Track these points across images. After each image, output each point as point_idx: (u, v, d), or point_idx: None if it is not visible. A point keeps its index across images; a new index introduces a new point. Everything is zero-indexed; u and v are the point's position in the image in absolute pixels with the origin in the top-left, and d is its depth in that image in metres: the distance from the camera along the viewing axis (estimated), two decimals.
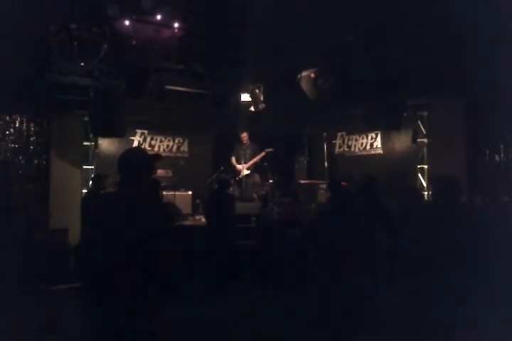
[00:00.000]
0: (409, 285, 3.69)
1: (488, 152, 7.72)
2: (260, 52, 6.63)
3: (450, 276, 3.36)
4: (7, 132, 8.21)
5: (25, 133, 8.40)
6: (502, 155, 7.49)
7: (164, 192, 9.38)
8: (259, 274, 7.47)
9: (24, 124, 8.36)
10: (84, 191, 8.97)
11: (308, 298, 4.87)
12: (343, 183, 9.43)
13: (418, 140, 9.06)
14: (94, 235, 2.88)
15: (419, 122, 9.07)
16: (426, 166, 8.95)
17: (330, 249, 4.21)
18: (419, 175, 8.99)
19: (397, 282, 3.89)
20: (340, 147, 11.41)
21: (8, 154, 8.21)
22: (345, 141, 11.29)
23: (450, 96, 7.79)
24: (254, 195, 10.27)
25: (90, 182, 9.03)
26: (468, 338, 3.30)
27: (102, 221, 2.87)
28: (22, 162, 8.36)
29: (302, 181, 10.33)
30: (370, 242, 4.02)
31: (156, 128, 11.11)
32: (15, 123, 8.29)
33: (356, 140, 10.98)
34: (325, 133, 10.76)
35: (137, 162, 2.97)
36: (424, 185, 8.76)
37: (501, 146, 7.52)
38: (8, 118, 8.23)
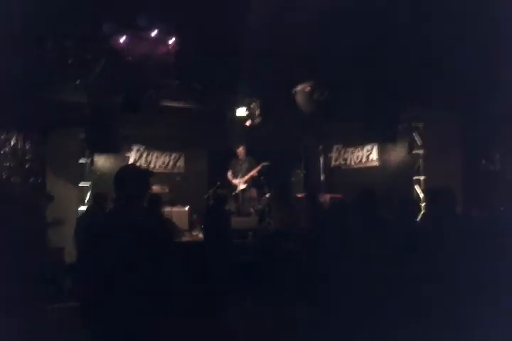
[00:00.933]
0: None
1: (484, 162, 7.74)
2: (256, 66, 6.66)
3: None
4: (2, 151, 8.17)
5: (20, 152, 8.37)
6: (498, 165, 7.51)
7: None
8: (258, 289, 7.41)
9: (20, 142, 8.33)
10: (81, 209, 8.93)
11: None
12: (337, 196, 9.50)
13: (414, 151, 9.09)
14: (92, 253, 2.86)
15: (414, 133, 9.10)
16: (422, 177, 8.96)
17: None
18: (416, 186, 8.99)
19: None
20: (336, 160, 11.43)
21: (4, 173, 8.16)
22: (342, 153, 11.32)
23: (445, 107, 7.83)
24: (251, 210, 10.24)
25: (87, 199, 9.01)
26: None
27: (100, 239, 2.85)
28: (17, 181, 8.31)
29: (299, 195, 10.31)
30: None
31: (152, 144, 11.12)
32: (10, 141, 8.26)
33: (352, 152, 11.01)
34: (321, 146, 10.78)
35: (132, 179, 2.98)
36: (421, 196, 8.75)
37: (497, 156, 7.54)
38: (3, 136, 8.19)
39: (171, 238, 6.45)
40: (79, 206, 9.00)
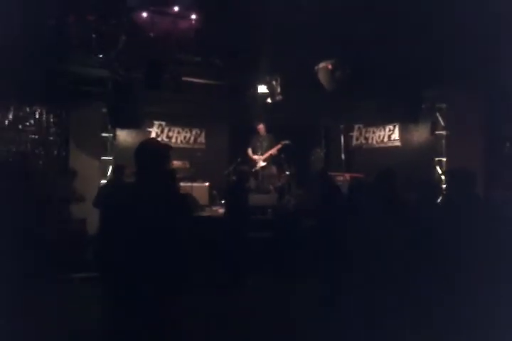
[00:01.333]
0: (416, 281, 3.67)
1: (508, 144, 7.61)
2: (277, 43, 6.60)
3: (459, 273, 3.34)
4: (27, 123, 8.33)
5: (44, 125, 8.51)
6: None
7: (181, 184, 9.45)
8: (276, 266, 7.49)
9: (44, 116, 8.47)
10: (103, 182, 9.08)
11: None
12: (358, 176, 9.47)
13: (436, 132, 8.97)
14: (113, 225, 2.92)
15: (437, 114, 8.97)
16: (444, 159, 8.86)
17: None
18: (438, 167, 8.90)
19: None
20: (357, 139, 11.35)
21: (29, 145, 8.34)
22: (363, 133, 11.23)
23: (469, 87, 7.68)
24: (271, 187, 10.28)
25: (109, 173, 9.15)
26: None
27: (121, 211, 2.91)
28: (42, 153, 8.48)
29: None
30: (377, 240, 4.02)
31: (173, 120, 11.18)
32: (35, 115, 8.40)
33: (374, 132, 10.91)
34: (342, 125, 10.69)
35: (152, 153, 3.01)
36: (442, 177, 8.67)
37: None
38: (28, 109, 8.33)
39: (191, 212, 6.53)
40: (101, 179, 9.15)
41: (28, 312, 5.18)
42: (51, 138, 8.56)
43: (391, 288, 3.95)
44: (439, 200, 5.35)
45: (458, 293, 3.38)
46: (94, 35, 6.17)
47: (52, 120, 8.58)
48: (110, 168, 9.30)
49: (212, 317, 5.50)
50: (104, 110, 8.74)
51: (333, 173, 10.06)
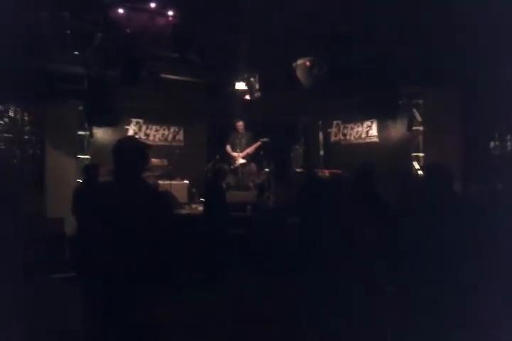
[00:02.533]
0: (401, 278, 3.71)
1: (484, 140, 7.72)
2: (255, 40, 6.59)
3: (440, 268, 3.38)
4: (1, 122, 8.17)
5: (19, 123, 8.35)
6: (498, 143, 7.50)
7: (160, 182, 9.40)
8: (256, 262, 7.50)
9: (18, 114, 8.31)
10: (80, 181, 8.96)
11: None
12: (337, 172, 9.54)
13: (414, 128, 9.06)
14: (91, 224, 2.89)
15: (414, 110, 9.06)
16: (421, 154, 8.96)
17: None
18: (415, 162, 9.00)
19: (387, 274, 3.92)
20: (336, 135, 11.40)
21: (3, 144, 8.18)
22: (341, 129, 11.28)
23: (446, 84, 7.77)
24: (251, 184, 10.28)
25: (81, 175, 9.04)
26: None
27: (99, 210, 2.88)
28: (16, 152, 8.32)
29: (298, 169, 10.33)
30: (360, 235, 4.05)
31: (151, 117, 11.08)
32: (9, 113, 8.24)
33: (352, 128, 10.97)
34: (320, 122, 10.74)
35: (131, 151, 2.98)
36: (420, 173, 8.77)
37: (497, 134, 7.52)
38: (1, 107, 8.17)
39: (170, 210, 6.50)
40: (78, 178, 9.03)
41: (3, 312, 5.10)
42: (26, 136, 8.41)
43: (371, 284, 3.99)
44: (416, 195, 5.40)
45: (434, 284, 3.41)
46: (69, 32, 6.08)
47: (27, 118, 8.42)
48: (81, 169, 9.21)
49: (192, 315, 5.49)
50: (81, 108, 8.63)
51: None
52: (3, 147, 8.16)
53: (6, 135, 8.21)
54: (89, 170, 6.87)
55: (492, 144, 7.59)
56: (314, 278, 5.03)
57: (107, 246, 2.75)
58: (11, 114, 8.25)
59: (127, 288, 2.76)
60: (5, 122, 8.20)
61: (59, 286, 6.71)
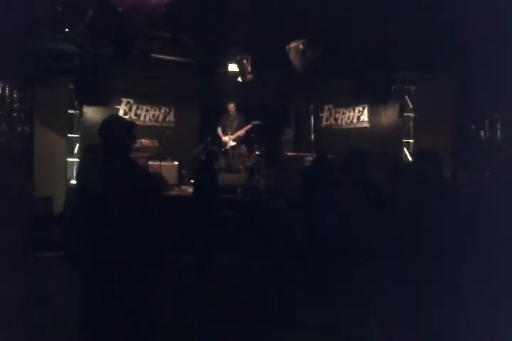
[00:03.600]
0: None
1: (473, 128, 7.75)
2: (249, 22, 6.52)
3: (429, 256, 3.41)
4: None
5: (8, 100, 8.23)
6: (487, 131, 7.54)
7: (150, 162, 9.38)
8: (245, 245, 7.55)
9: (7, 91, 8.18)
10: (70, 160, 8.93)
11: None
12: (328, 156, 9.55)
13: (405, 114, 9.10)
14: (80, 203, 2.88)
15: (406, 96, 9.07)
16: (412, 140, 9.00)
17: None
18: (405, 149, 9.04)
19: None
20: (327, 120, 11.39)
21: None
22: (333, 113, 11.26)
23: (438, 70, 7.77)
24: (241, 167, 10.28)
25: (76, 152, 9.01)
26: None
27: (86, 190, 2.87)
28: (5, 129, 8.23)
29: (289, 153, 10.35)
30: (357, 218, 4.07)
31: (142, 98, 10.99)
32: None
33: (343, 113, 10.96)
34: (312, 106, 10.71)
35: (116, 130, 2.96)
36: (409, 158, 8.82)
37: (486, 122, 7.55)
38: None
39: (159, 190, 6.50)
40: (67, 157, 8.99)
41: None
42: (15, 114, 8.30)
43: (362, 271, 4.02)
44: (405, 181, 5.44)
45: (423, 273, 3.46)
46: (60, 9, 5.97)
47: (16, 95, 8.30)
48: (77, 145, 9.15)
49: (182, 298, 5.53)
50: (71, 86, 8.54)
51: (302, 154, 10.16)
52: None
53: None
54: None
55: (482, 132, 7.63)
56: (303, 261, 5.09)
57: (95, 227, 2.75)
58: (0, 91, 8.12)
59: (117, 270, 2.77)
60: None
61: (48, 265, 6.74)
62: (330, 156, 9.49)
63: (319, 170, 6.67)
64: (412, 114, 9.01)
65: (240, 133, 10.15)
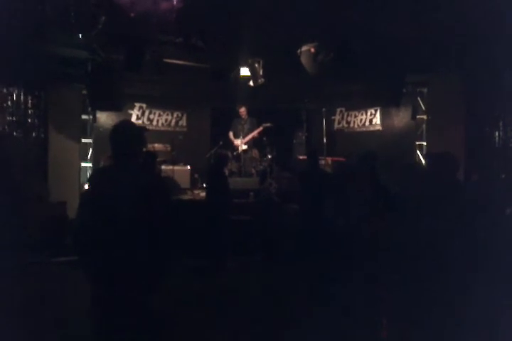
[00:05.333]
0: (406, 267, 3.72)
1: (487, 129, 7.69)
2: (260, 26, 6.53)
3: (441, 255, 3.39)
4: (4, 105, 8.15)
5: (22, 106, 8.33)
6: (501, 132, 7.46)
7: (163, 167, 9.42)
8: (257, 249, 7.54)
9: (22, 97, 8.28)
10: (83, 165, 9.01)
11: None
12: (340, 159, 9.53)
13: (417, 116, 9.04)
14: (91, 209, 2.89)
15: (418, 98, 9.03)
16: (425, 143, 8.95)
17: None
18: (418, 151, 8.99)
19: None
20: (339, 123, 11.38)
21: (6, 127, 8.18)
22: (345, 116, 11.25)
23: (450, 72, 7.72)
24: (253, 170, 10.29)
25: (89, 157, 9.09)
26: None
27: (99, 194, 2.88)
28: (20, 135, 8.33)
29: (301, 157, 10.33)
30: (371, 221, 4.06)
31: (154, 102, 11.08)
32: (12, 96, 8.22)
33: (355, 116, 10.94)
34: (324, 109, 10.69)
35: (126, 134, 2.97)
36: (423, 161, 8.77)
37: (500, 124, 7.48)
38: (5, 90, 8.15)
39: (168, 195, 6.52)
40: (81, 162, 9.06)
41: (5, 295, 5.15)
42: (29, 120, 8.40)
43: (373, 271, 4.00)
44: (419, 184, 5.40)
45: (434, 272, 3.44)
46: (73, 15, 6.03)
47: (30, 102, 8.40)
48: (90, 150, 9.21)
49: (194, 302, 5.52)
50: (84, 92, 8.61)
51: None
52: (7, 130, 8.16)
53: (10, 118, 8.21)
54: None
55: (495, 134, 7.56)
56: (316, 264, 5.06)
57: (106, 231, 2.75)
58: (15, 97, 8.23)
59: (129, 274, 2.76)
60: (8, 105, 8.18)
61: (60, 270, 6.77)
62: (342, 159, 9.52)
63: (313, 173, 6.71)
64: (424, 117, 8.95)
65: (252, 135, 10.15)
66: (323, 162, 9.36)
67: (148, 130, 3.32)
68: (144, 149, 3.25)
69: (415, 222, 3.68)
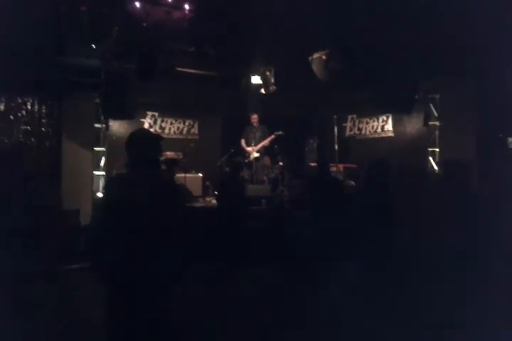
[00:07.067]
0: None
1: (500, 135, 7.65)
2: (271, 33, 6.57)
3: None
4: (19, 114, 8.27)
5: (36, 115, 8.45)
6: None
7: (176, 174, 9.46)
8: (270, 256, 7.52)
9: (36, 106, 8.40)
10: (96, 173, 9.06)
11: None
12: (352, 166, 9.52)
13: (430, 123, 9.00)
14: (106, 216, 2.91)
15: (430, 105, 8.99)
16: (437, 149, 8.90)
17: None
18: (431, 158, 8.94)
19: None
20: (350, 130, 11.38)
21: (20, 136, 8.29)
22: (356, 123, 11.25)
23: (462, 78, 7.70)
24: (265, 178, 10.30)
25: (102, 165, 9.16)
26: None
27: (113, 201, 2.90)
28: (34, 144, 8.43)
29: (312, 164, 10.33)
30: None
31: (166, 111, 11.16)
32: (26, 105, 8.33)
33: (367, 123, 10.94)
34: (335, 116, 10.70)
35: (142, 143, 3.00)
36: (435, 168, 8.72)
37: None
38: (19, 100, 8.27)
39: (184, 203, 6.54)
40: (94, 170, 9.12)
41: (21, 303, 5.20)
42: (43, 129, 8.51)
43: (390, 279, 3.99)
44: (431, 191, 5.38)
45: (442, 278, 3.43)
46: (86, 25, 6.11)
47: (44, 111, 8.52)
48: (103, 158, 9.28)
49: (207, 309, 5.52)
50: (97, 100, 8.69)
51: None
52: (21, 139, 8.27)
53: (24, 127, 8.32)
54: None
55: (509, 140, 7.52)
56: (328, 270, 5.05)
57: (120, 238, 2.76)
58: (29, 106, 8.35)
59: (142, 281, 2.77)
60: (22, 115, 8.30)
61: (74, 277, 6.81)
62: (354, 166, 9.51)
63: (323, 179, 6.69)
64: (437, 123, 8.91)
65: (264, 143, 10.18)
66: (334, 169, 9.35)
67: (163, 138, 3.34)
68: (162, 157, 3.27)
69: (427, 231, 3.67)
